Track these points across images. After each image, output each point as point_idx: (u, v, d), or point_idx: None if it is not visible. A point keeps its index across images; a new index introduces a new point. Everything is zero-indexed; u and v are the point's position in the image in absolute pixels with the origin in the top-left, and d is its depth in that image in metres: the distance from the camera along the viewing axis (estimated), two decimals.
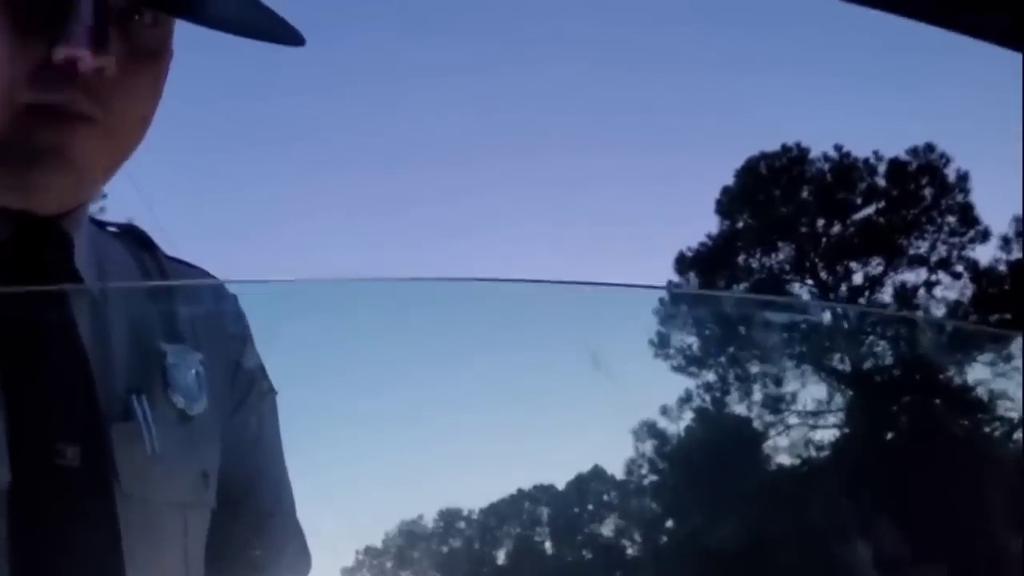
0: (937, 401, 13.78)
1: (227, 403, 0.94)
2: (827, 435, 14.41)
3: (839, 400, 14.43)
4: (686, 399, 13.40)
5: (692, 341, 13.70)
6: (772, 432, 13.90)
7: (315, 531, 1.04)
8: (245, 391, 0.96)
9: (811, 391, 14.32)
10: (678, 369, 13.69)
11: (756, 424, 13.72)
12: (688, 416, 13.21)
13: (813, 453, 13.89)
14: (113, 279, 0.92)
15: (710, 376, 13.89)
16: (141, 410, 0.85)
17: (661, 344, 13.25)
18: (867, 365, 14.44)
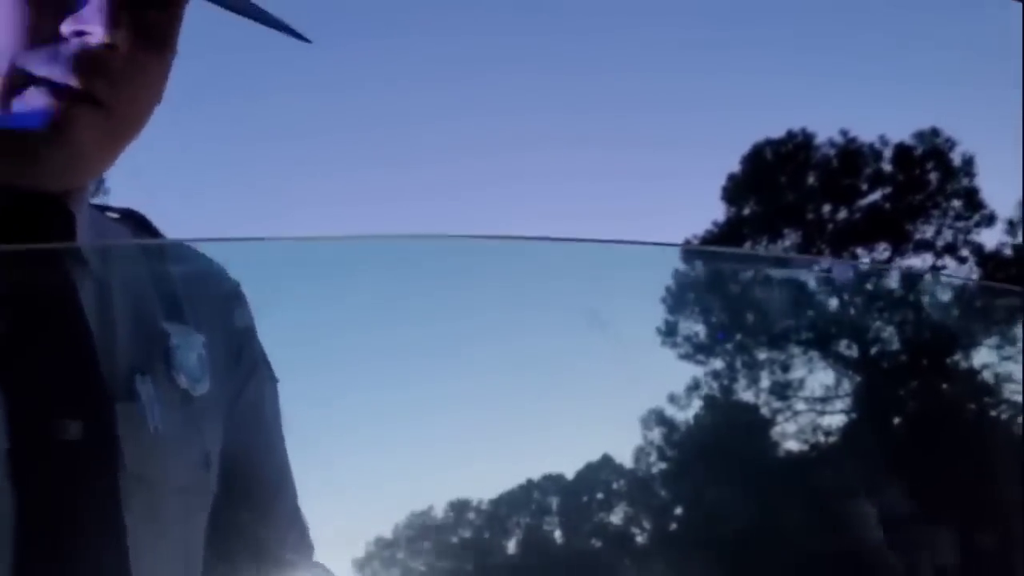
0: (949, 379, 13.75)
1: (229, 388, 0.94)
2: (835, 420, 14.40)
3: (847, 385, 14.41)
4: (694, 387, 13.38)
5: (699, 329, 13.66)
6: (780, 418, 13.89)
7: (325, 523, 1.03)
8: (247, 377, 0.96)
9: (819, 376, 14.30)
10: (686, 357, 13.67)
11: (764, 411, 13.71)
12: (696, 404, 13.19)
13: (821, 438, 13.87)
14: (116, 258, 0.90)
15: (718, 363, 13.86)
16: (145, 390, 0.84)
17: (668, 332, 13.21)
18: (879, 334, 14.41)
